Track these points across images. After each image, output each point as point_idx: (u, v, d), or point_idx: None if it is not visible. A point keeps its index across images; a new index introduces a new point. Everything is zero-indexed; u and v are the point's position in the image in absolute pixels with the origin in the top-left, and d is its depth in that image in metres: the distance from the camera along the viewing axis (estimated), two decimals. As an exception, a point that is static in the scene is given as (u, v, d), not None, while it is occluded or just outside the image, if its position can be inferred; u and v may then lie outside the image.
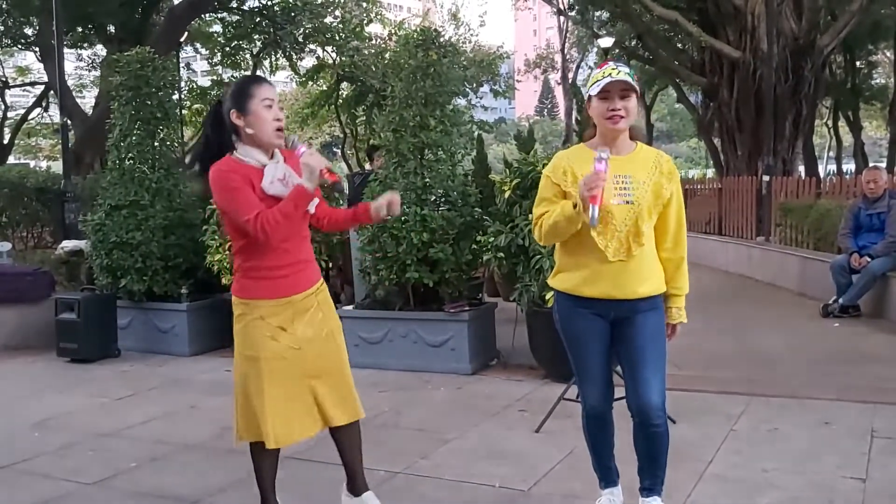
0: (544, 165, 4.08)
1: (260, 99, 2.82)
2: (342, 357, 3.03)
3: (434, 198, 5.96)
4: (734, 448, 4.02)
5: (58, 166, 17.35)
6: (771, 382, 5.26)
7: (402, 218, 5.69)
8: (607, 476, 3.12)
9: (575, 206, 2.68)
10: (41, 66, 19.19)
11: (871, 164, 15.05)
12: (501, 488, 3.62)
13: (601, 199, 2.63)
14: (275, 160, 2.88)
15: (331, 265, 7.03)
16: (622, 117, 2.75)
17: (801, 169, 20.25)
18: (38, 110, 23.39)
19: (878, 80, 28.50)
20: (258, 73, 25.81)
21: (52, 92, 19.37)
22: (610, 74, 2.75)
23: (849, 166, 30.65)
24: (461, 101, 24.58)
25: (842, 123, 28.14)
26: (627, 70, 2.80)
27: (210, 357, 6.70)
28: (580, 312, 2.91)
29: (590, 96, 2.81)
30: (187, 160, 9.50)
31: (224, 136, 2.89)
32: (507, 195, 5.49)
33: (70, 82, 20.95)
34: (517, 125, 56.45)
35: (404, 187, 5.85)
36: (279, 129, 2.84)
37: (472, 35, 29.65)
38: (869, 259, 7.20)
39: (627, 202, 2.77)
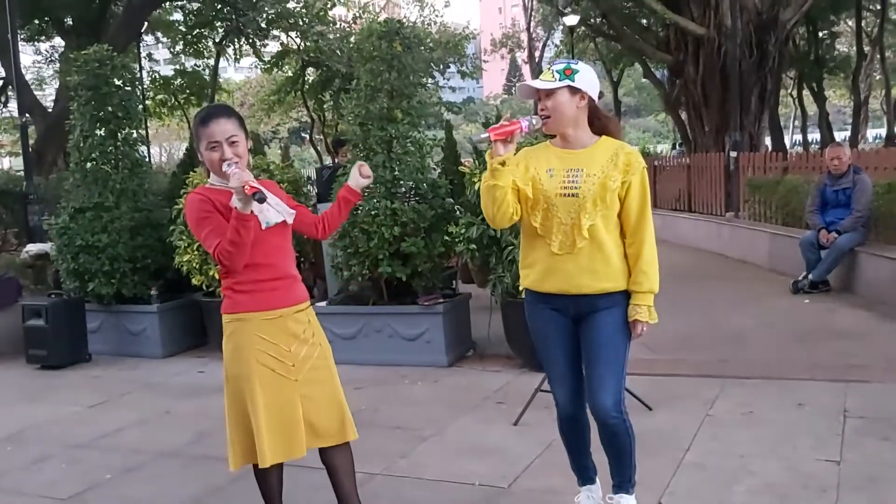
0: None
1: (206, 144, 2.81)
2: (334, 377, 2.99)
3: (404, 190, 5.92)
4: (711, 434, 4.06)
5: (19, 163, 16.98)
6: (744, 363, 5.31)
7: (373, 212, 5.65)
8: (584, 475, 3.12)
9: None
10: (-2, 60, 18.74)
11: (834, 141, 15.20)
12: (482, 486, 3.62)
13: (508, 131, 2.66)
14: None
15: (302, 259, 6.98)
16: (548, 116, 2.77)
17: (768, 141, 20.44)
18: (-3, 105, 22.88)
19: (841, 50, 28.81)
20: (222, 60, 25.48)
21: (10, 87, 18.95)
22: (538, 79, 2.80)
23: (814, 135, 31.03)
24: (429, 84, 24.44)
25: (806, 93, 28.41)
26: (560, 67, 2.79)
27: (183, 358, 6.62)
28: (542, 308, 2.91)
29: None
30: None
31: None
32: (477, 186, 5.45)
33: (29, 76, 20.53)
34: (485, 104, 56.31)
35: (373, 180, 5.79)
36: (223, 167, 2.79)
37: (437, 16, 29.51)
38: (837, 235, 7.29)
39: (572, 195, 2.76)
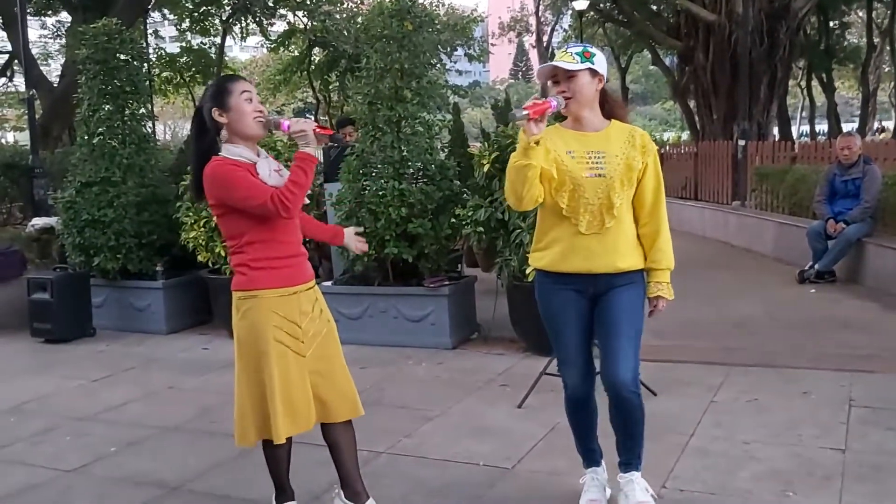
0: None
1: (239, 93, 2.80)
2: (341, 354, 3.01)
3: (412, 171, 5.89)
4: (715, 420, 4.05)
5: (24, 137, 16.94)
6: (750, 351, 5.29)
7: (380, 193, 5.63)
8: (590, 457, 3.12)
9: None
10: (4, 34, 18.65)
11: (844, 130, 15.13)
12: (486, 466, 3.62)
13: (542, 109, 2.64)
14: (263, 156, 2.88)
15: (308, 239, 6.96)
16: (568, 98, 2.77)
17: (776, 131, 20.37)
18: (2, 80, 22.80)
19: (851, 40, 28.61)
20: (228, 38, 25.41)
21: (16, 61, 18.89)
22: (552, 58, 2.81)
23: (821, 126, 30.92)
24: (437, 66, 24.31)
25: (814, 83, 28.24)
26: (578, 50, 2.79)
27: (187, 334, 6.63)
28: (558, 289, 2.91)
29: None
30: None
31: (210, 141, 2.88)
32: (485, 168, 5.43)
33: (35, 51, 20.42)
34: (492, 88, 56.17)
35: (381, 161, 5.78)
36: (259, 120, 2.83)
37: (445, -2, 29.32)
38: (844, 225, 7.26)
39: (599, 175, 2.79)
